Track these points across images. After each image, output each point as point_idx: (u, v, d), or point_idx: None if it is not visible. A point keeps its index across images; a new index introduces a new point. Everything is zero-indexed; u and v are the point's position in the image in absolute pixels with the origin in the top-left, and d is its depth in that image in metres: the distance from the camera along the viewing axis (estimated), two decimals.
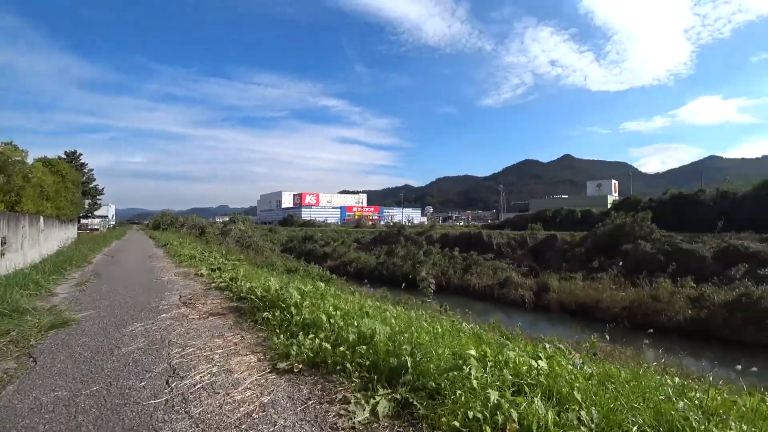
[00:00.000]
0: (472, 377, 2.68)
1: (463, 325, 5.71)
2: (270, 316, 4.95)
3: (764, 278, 17.40)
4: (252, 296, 6.11)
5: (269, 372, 3.48)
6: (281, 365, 3.54)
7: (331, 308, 4.84)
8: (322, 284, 7.37)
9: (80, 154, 47.76)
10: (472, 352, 3.07)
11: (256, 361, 3.79)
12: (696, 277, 19.49)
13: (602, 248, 26.23)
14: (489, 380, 2.72)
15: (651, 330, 9.58)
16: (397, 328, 3.84)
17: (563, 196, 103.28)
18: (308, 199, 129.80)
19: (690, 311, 16.62)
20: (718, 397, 3.01)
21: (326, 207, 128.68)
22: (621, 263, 20.99)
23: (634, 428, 2.27)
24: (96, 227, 60.61)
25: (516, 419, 2.26)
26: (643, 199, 36.98)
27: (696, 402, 2.78)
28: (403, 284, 21.79)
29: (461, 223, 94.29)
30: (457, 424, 2.31)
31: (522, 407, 2.35)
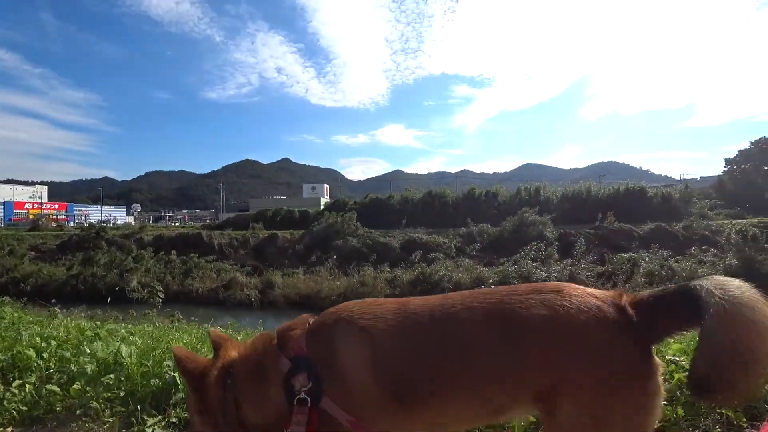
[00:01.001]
0: None
1: (211, 329, 5.36)
2: None
3: (432, 260, 23.16)
4: None
5: None
6: None
7: (38, 339, 3.55)
8: (8, 309, 5.21)
9: None
10: None
11: None
12: (390, 263, 24.11)
13: (318, 244, 28.95)
14: None
15: None
16: (143, 346, 3.27)
17: (282, 197, 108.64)
18: None
19: (388, 290, 20.41)
20: None
21: None
22: (335, 257, 23.82)
23: None
24: None
25: None
26: (349, 202, 42.93)
27: None
28: (110, 298, 18.56)
29: (177, 224, 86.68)
30: None
31: None
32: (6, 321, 4.21)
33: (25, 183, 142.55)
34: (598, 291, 1.31)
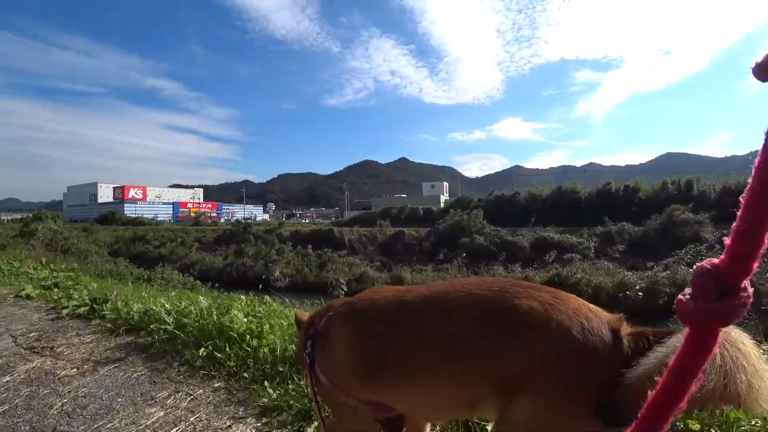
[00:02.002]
0: None
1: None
2: (220, 355, 3.30)
3: (569, 261, 21.69)
4: (157, 325, 4.05)
5: None
6: None
7: None
8: (267, 298, 5.47)
9: None
10: None
11: None
12: (520, 263, 23.20)
13: (444, 242, 29.07)
14: None
15: None
16: None
17: (402, 195, 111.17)
18: (133, 193, 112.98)
19: None
20: None
21: (155, 203, 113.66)
22: (464, 254, 23.60)
23: None
24: None
25: None
26: (473, 199, 42.31)
27: None
28: (261, 285, 20.85)
29: (306, 221, 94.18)
30: None
31: None
32: (269, 309, 4.42)
33: (186, 187, 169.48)
34: (595, 306, 1.25)
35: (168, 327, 3.95)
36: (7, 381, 3.31)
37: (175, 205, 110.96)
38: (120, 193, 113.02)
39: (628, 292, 17.93)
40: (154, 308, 4.51)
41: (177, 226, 60.93)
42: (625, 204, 34.42)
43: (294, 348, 3.07)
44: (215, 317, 3.87)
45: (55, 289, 6.92)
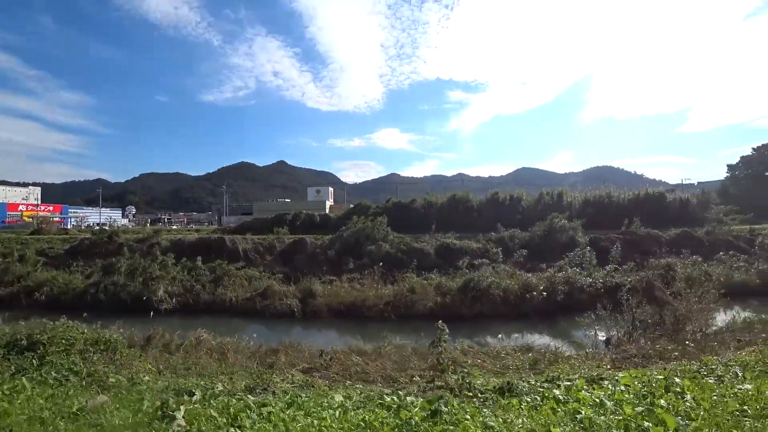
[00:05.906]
0: None
1: None
2: None
3: (479, 266, 22.79)
4: None
5: None
6: None
7: None
8: None
9: None
10: None
11: None
12: (426, 269, 23.64)
13: (350, 250, 28.35)
14: None
15: (441, 320, 10.07)
16: None
17: (286, 200, 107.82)
18: None
19: (438, 298, 19.72)
20: None
21: None
22: (381, 264, 23.11)
23: None
24: None
25: None
26: (371, 205, 42.18)
27: None
28: (152, 313, 17.87)
29: (176, 227, 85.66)
30: None
31: None
32: None
33: (18, 184, 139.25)
34: None
35: None
36: None
37: (2, 207, 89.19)
38: None
39: (534, 293, 19.29)
40: None
41: (8, 235, 49.03)
42: (511, 212, 37.59)
43: None
44: None
45: None
